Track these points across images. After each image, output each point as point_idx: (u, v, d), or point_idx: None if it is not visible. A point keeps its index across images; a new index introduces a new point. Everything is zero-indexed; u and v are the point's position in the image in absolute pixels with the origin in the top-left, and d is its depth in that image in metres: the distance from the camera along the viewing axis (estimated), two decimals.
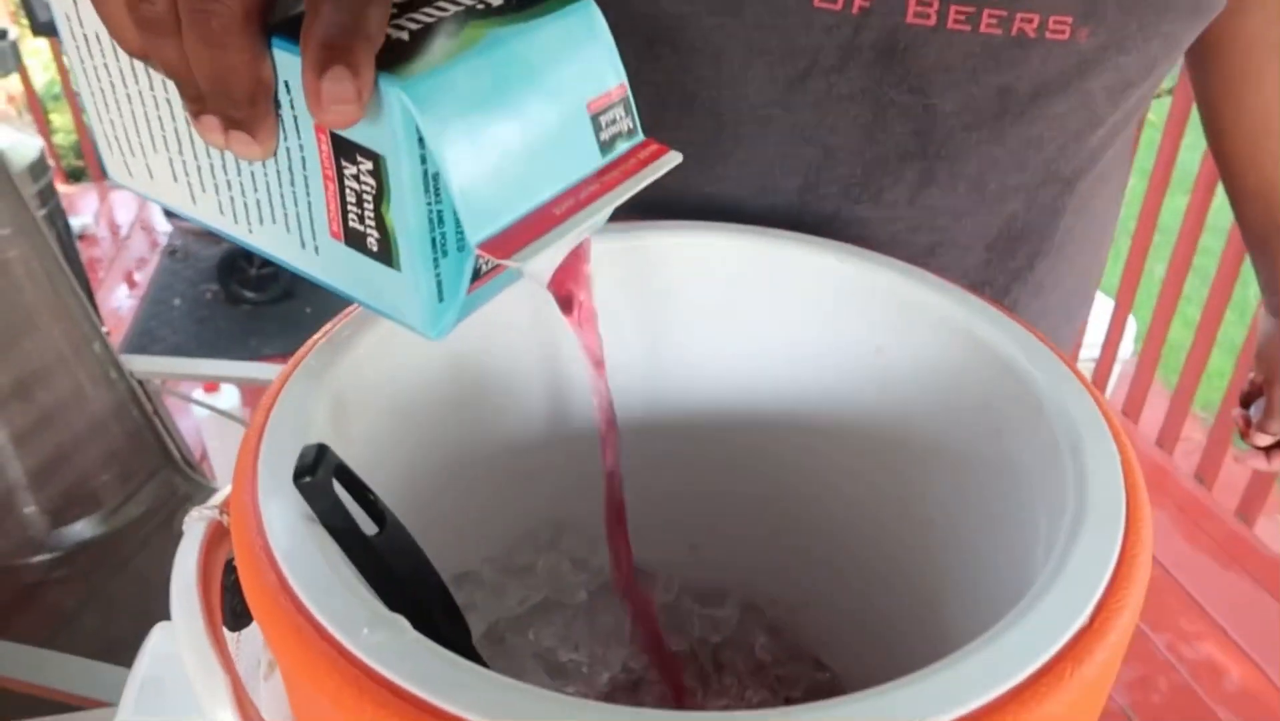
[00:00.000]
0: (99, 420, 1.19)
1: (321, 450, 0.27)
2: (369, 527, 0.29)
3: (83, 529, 1.25)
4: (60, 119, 2.95)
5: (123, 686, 0.40)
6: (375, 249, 0.28)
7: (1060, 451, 0.30)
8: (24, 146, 1.49)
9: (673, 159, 0.30)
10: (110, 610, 1.24)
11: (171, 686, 0.41)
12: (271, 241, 0.30)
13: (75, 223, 2.42)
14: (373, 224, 0.27)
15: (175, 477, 1.24)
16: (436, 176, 0.26)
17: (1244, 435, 0.67)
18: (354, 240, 0.28)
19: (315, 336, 0.36)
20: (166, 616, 0.31)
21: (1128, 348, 1.91)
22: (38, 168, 1.51)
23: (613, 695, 0.44)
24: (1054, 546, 0.28)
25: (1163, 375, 1.88)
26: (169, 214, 2.24)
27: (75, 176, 2.87)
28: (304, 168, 0.28)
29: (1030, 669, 0.23)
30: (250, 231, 0.31)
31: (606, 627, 0.46)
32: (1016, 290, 0.53)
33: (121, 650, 0.50)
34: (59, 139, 2.91)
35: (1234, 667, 1.32)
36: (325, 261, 0.29)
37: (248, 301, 2.11)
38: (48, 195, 1.53)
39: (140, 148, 0.32)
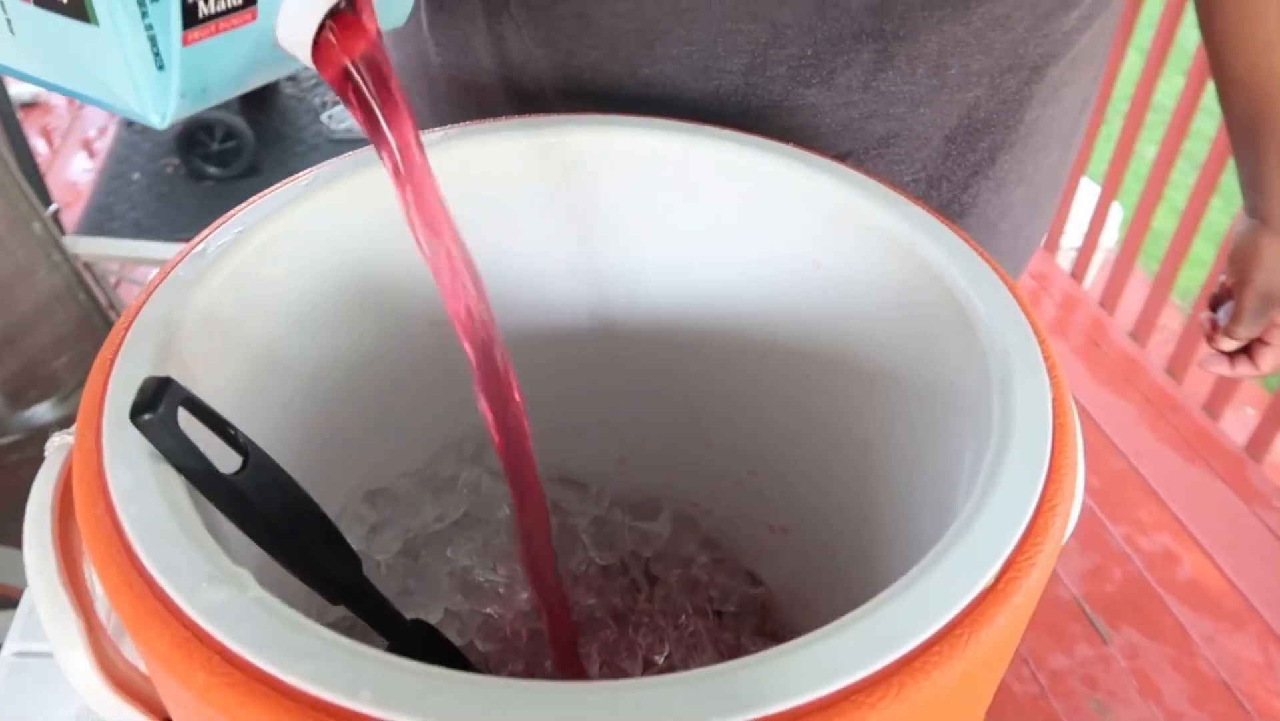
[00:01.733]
0: (45, 303, 1.15)
1: (164, 383, 0.24)
2: (232, 462, 0.27)
3: (44, 411, 1.24)
4: None
5: None
6: (65, 1, 0.22)
7: (990, 383, 0.28)
8: None
9: None
10: None
11: None
12: None
13: (25, 90, 2.31)
14: None
15: None
16: None
17: (1209, 339, 0.65)
18: None
19: (188, 245, 0.32)
20: None
21: (1112, 236, 1.87)
22: None
23: (531, 615, 0.42)
24: (975, 484, 0.25)
25: (1145, 264, 1.85)
26: None
27: None
28: None
29: (922, 636, 0.21)
30: None
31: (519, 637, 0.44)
32: (977, 185, 0.50)
33: None
34: None
35: (1187, 559, 1.34)
36: (24, 41, 0.23)
37: (210, 177, 2.03)
38: None
39: None
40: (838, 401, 0.39)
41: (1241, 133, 0.60)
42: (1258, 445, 1.47)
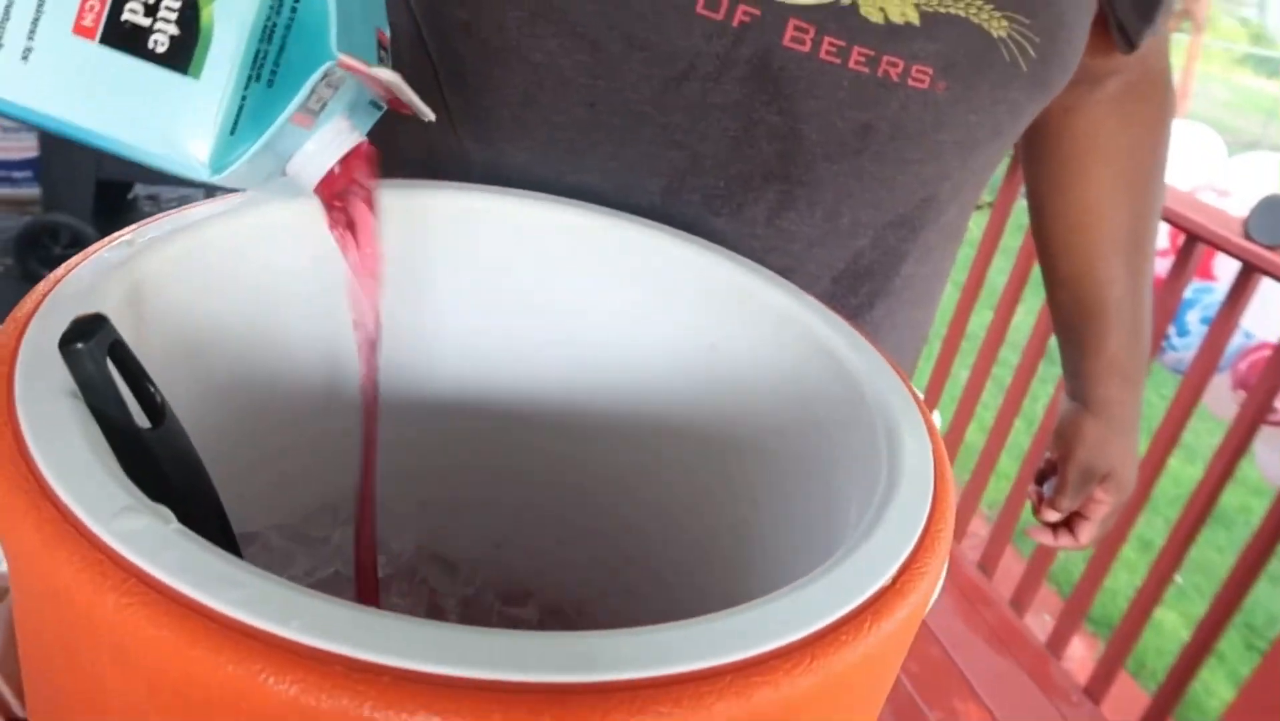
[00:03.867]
0: None
1: (99, 319, 0.24)
2: (143, 424, 0.26)
3: None
4: None
5: None
6: (162, 50, 0.23)
7: (876, 435, 0.31)
8: None
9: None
10: None
11: None
12: None
13: None
14: (170, 18, 0.23)
15: None
16: None
17: (1036, 511, 0.72)
18: (121, 39, 0.23)
19: (118, 232, 0.32)
20: None
21: None
22: None
23: None
24: (864, 519, 0.28)
25: (955, 473, 2.01)
26: None
27: None
28: None
29: (831, 617, 0.23)
30: None
31: (399, 610, 0.43)
32: (856, 327, 0.55)
33: None
34: None
35: None
36: (36, 73, 0.23)
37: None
38: None
39: None
40: (722, 483, 0.42)
41: (1065, 326, 0.69)
42: (1057, 643, 1.58)
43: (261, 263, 0.36)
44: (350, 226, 0.34)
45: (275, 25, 0.24)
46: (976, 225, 1.97)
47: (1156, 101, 0.64)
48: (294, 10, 0.25)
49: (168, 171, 0.25)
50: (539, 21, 0.45)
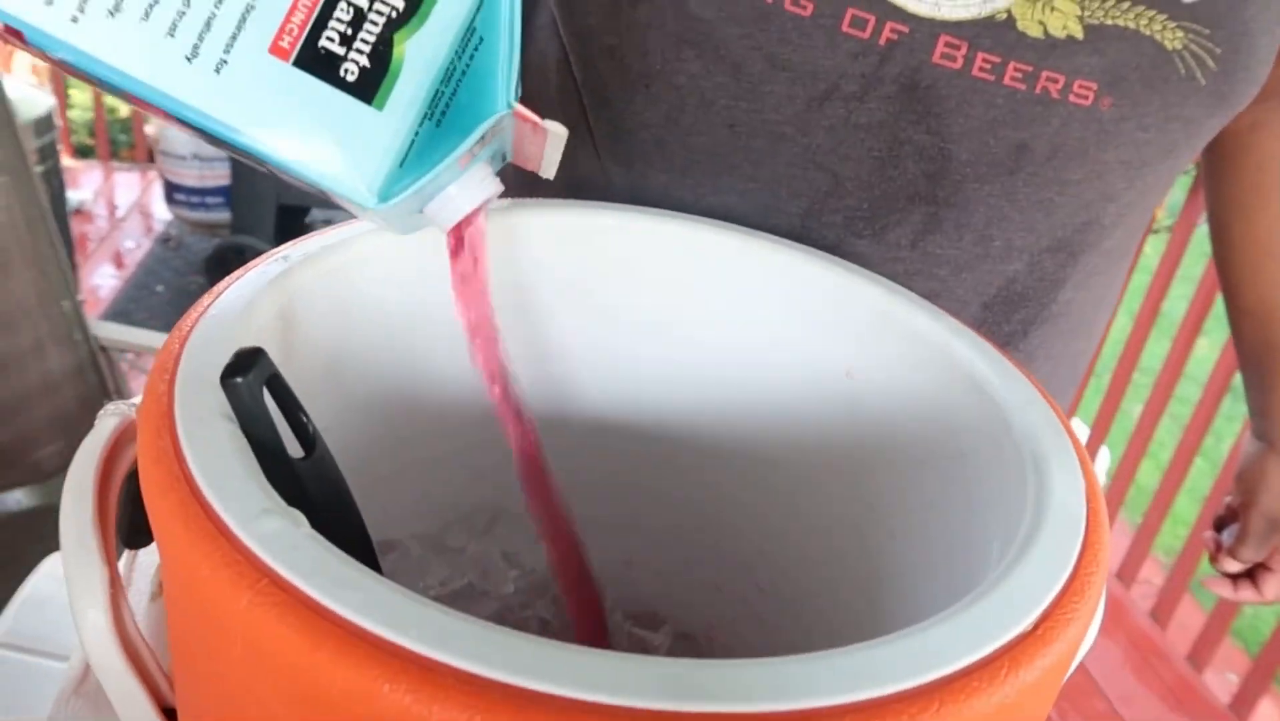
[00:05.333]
0: (53, 380, 1.16)
1: (258, 353, 0.26)
2: (295, 452, 0.27)
3: (17, 498, 1.21)
4: (80, 95, 2.96)
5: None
6: (351, 79, 0.24)
7: (1024, 469, 0.29)
8: (33, 102, 1.49)
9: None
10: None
11: (53, 608, 0.38)
12: (119, 47, 0.23)
13: (74, 196, 2.41)
14: (363, 50, 0.24)
15: None
16: (473, 33, 0.25)
17: (1213, 560, 0.66)
18: (315, 63, 0.24)
19: (275, 249, 0.34)
20: None
21: (1100, 480, 1.90)
22: (43, 124, 1.51)
23: None
24: (1007, 556, 0.26)
25: (1126, 515, 1.87)
26: (170, 199, 2.23)
27: (84, 154, 2.87)
28: None
29: (963, 662, 0.22)
30: (78, 22, 0.23)
31: (529, 627, 0.44)
32: (1008, 355, 0.53)
33: None
34: (74, 114, 2.92)
35: None
36: (225, 86, 0.24)
37: None
38: (48, 153, 1.53)
39: None
40: (857, 512, 0.40)
41: (1250, 360, 0.63)
42: (1242, 705, 1.44)
43: (405, 278, 0.38)
44: (472, 265, 0.35)
45: (455, 69, 0.25)
46: (1155, 251, 1.85)
47: None
48: (473, 56, 0.26)
49: (331, 193, 0.27)
50: (683, 45, 0.46)
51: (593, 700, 0.20)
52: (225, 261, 2.11)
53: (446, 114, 0.26)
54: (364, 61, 0.24)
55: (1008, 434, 0.31)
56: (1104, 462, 1.91)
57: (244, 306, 0.30)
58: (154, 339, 1.22)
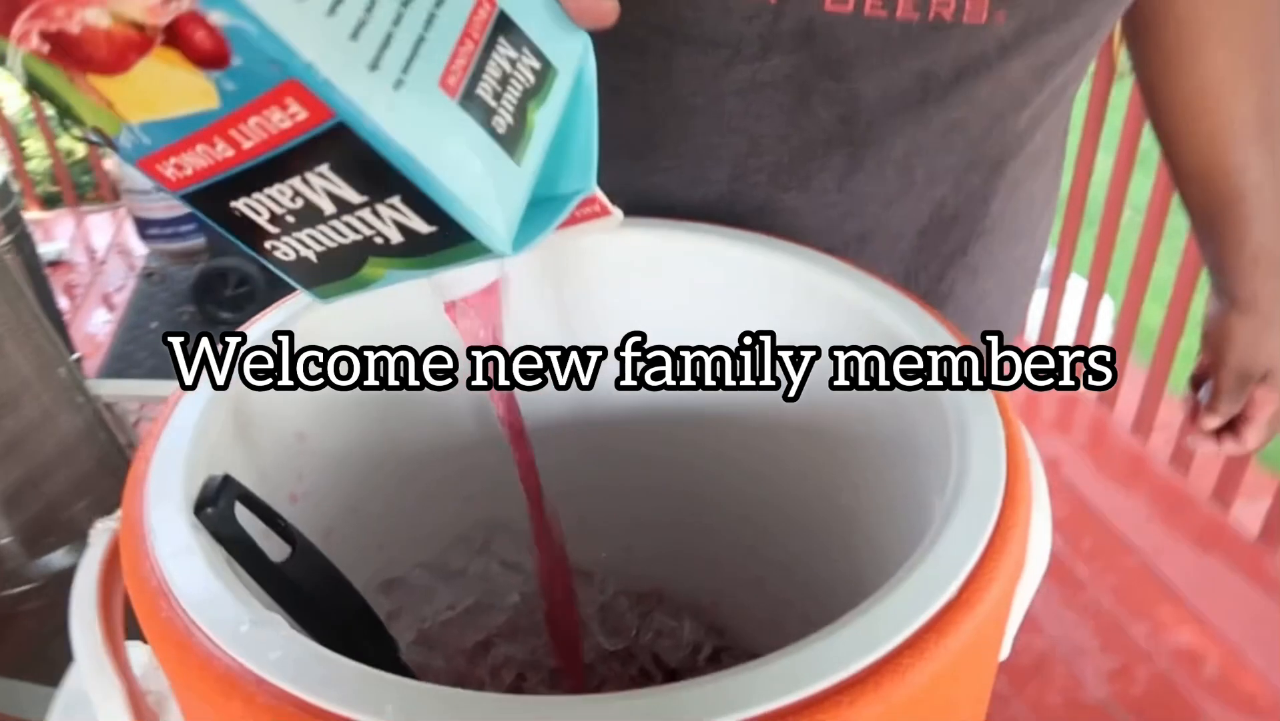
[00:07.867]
0: (68, 445, 1.19)
1: (225, 481, 0.28)
2: (280, 550, 0.29)
3: (60, 558, 1.24)
4: (35, 145, 2.95)
5: None
6: (502, 131, 0.25)
7: (949, 429, 0.31)
8: None
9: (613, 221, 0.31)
10: None
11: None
12: (310, 37, 0.22)
13: (50, 249, 2.42)
14: (510, 110, 0.25)
15: None
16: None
17: (1193, 419, 0.67)
18: (474, 107, 0.25)
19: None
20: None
21: (1105, 330, 1.90)
22: (2, 195, 1.50)
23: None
24: (937, 520, 0.28)
25: (1140, 359, 1.87)
26: (144, 235, 2.24)
27: (51, 202, 2.86)
28: (438, 4, 0.24)
29: (894, 642, 0.24)
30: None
31: (539, 631, 0.46)
32: (952, 274, 0.54)
33: None
34: (33, 165, 2.91)
35: (1213, 654, 1.32)
36: (400, 102, 0.23)
37: (224, 321, 2.11)
38: (12, 221, 1.53)
39: None
40: (825, 471, 0.42)
41: (1201, 221, 0.63)
42: (1273, 532, 1.47)
43: (360, 331, 0.39)
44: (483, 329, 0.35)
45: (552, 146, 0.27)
46: (1122, 94, 1.82)
47: None
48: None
49: (458, 224, 0.25)
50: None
51: None
52: (211, 287, 2.12)
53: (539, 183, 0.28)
54: (509, 119, 0.26)
55: (933, 394, 0.32)
56: (1108, 313, 1.90)
57: (198, 418, 0.31)
58: (151, 387, 1.25)
